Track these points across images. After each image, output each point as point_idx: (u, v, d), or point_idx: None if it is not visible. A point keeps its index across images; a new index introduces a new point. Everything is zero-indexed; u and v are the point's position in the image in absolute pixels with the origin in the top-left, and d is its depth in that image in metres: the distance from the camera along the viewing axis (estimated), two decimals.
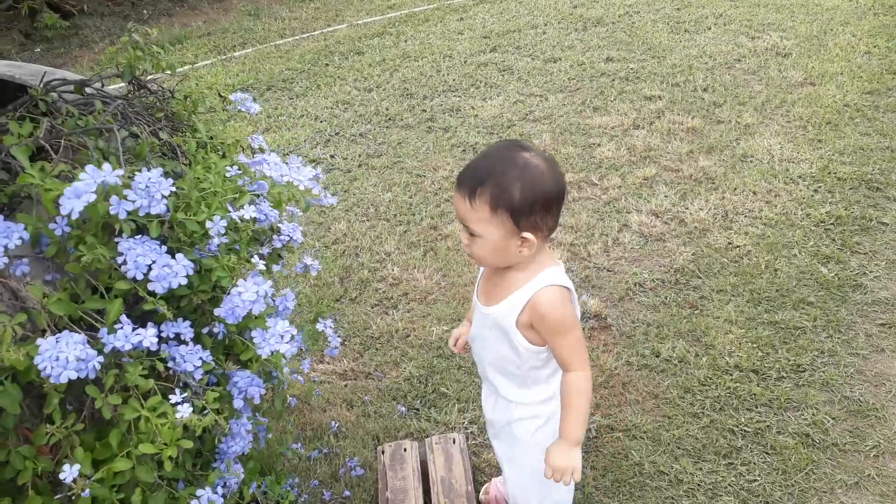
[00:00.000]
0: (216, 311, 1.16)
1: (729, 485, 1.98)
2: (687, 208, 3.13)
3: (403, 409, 2.26)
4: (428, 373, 2.40)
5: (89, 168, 1.01)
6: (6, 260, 1.07)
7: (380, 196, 3.39)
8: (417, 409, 2.28)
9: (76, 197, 0.99)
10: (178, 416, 1.03)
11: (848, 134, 3.59)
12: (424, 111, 4.17)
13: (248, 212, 1.22)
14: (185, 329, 1.18)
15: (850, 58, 4.35)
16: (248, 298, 1.15)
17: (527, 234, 1.30)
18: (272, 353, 1.18)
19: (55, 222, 1.13)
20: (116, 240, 1.12)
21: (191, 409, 1.05)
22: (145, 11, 5.91)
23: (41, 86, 1.40)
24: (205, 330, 1.24)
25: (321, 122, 4.16)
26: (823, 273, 2.71)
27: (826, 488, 1.96)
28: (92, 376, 0.98)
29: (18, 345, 0.95)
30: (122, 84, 1.61)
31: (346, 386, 2.38)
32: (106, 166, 1.03)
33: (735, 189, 3.24)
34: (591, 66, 4.53)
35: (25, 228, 1.10)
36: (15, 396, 0.96)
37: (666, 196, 3.22)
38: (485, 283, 1.50)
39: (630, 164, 3.49)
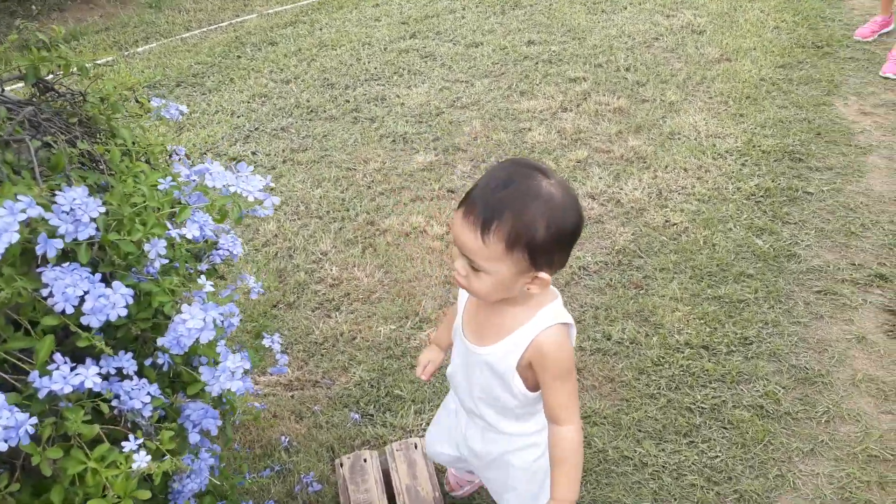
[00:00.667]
0: (160, 341, 1.03)
1: (693, 463, 1.99)
2: (622, 189, 3.14)
3: (357, 416, 2.16)
4: (379, 375, 2.31)
5: (7, 203, 0.87)
6: None
7: (309, 192, 3.24)
8: (372, 416, 2.18)
9: None
10: (134, 465, 0.90)
11: (767, 107, 3.69)
12: (348, 101, 4.03)
13: (191, 229, 1.08)
14: (127, 363, 1.05)
15: (761, 33, 4.48)
16: (193, 326, 1.02)
17: (543, 274, 1.16)
18: (222, 391, 1.06)
19: None
20: (39, 269, 0.98)
21: (147, 456, 0.92)
22: (34, 7, 5.48)
23: None
24: (147, 362, 1.11)
25: (238, 117, 3.95)
26: (759, 245, 2.76)
27: (784, 458, 1.99)
28: (25, 442, 0.84)
29: None
30: (22, 87, 1.43)
31: (292, 397, 2.26)
32: (23, 198, 0.88)
33: (666, 167, 3.27)
34: (514, 49, 4.49)
35: None
36: None
37: (600, 178, 3.22)
38: (473, 315, 1.36)
39: (562, 147, 3.47)
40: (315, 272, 2.77)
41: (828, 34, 4.42)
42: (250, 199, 1.14)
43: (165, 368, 1.10)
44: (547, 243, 1.13)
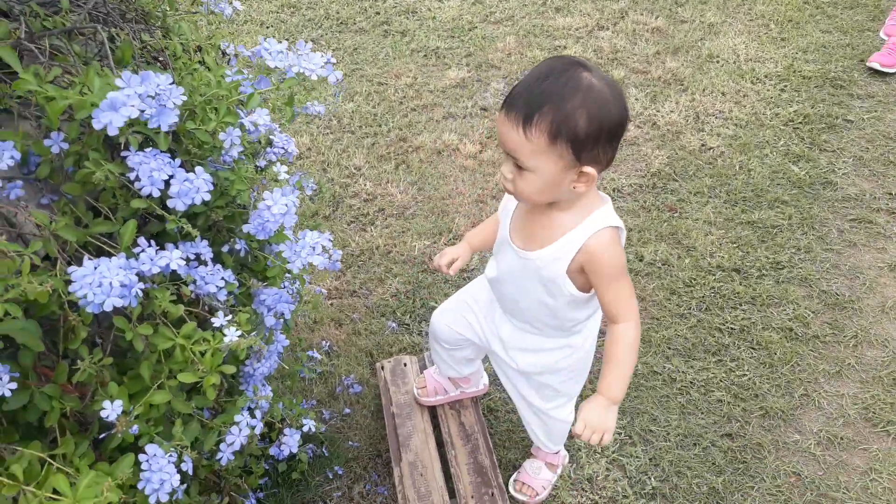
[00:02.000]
0: (245, 228, 1.06)
1: (720, 381, 2.04)
2: (658, 111, 3.10)
3: (394, 324, 2.22)
4: (414, 287, 2.36)
5: (126, 75, 0.88)
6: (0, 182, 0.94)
7: (341, 107, 3.22)
8: (408, 325, 2.24)
9: (113, 110, 0.86)
10: (225, 339, 0.95)
11: (809, 32, 3.58)
12: (378, 14, 3.94)
13: (261, 116, 1.10)
14: (204, 249, 1.08)
15: None
16: (278, 211, 1.05)
17: (588, 169, 1.15)
18: (304, 266, 1.10)
19: (49, 138, 0.99)
20: (123, 154, 1.00)
21: (238, 331, 0.96)
22: None
23: None
24: (224, 248, 1.14)
25: (267, 27, 3.88)
26: (795, 171, 2.75)
27: (810, 378, 2.04)
28: (134, 304, 0.88)
29: (34, 275, 0.84)
30: None
31: (332, 305, 2.31)
32: (146, 74, 0.90)
33: (704, 90, 3.21)
34: None
35: (14, 146, 0.96)
36: (35, 332, 0.86)
37: (637, 99, 3.17)
38: (521, 222, 1.35)
39: (598, 67, 3.40)
40: (349, 186, 2.78)
41: None
42: (313, 77, 1.14)
43: (243, 255, 1.13)
44: (590, 135, 1.12)
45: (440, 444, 1.80)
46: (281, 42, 1.20)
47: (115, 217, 1.04)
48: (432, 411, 1.87)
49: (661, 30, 3.66)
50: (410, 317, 2.26)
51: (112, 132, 0.88)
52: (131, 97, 0.87)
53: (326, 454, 1.83)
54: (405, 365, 1.97)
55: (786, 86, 3.22)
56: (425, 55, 3.57)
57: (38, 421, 0.93)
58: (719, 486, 1.79)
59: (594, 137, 1.13)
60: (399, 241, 2.53)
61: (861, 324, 2.18)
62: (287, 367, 1.38)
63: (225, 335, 0.96)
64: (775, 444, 1.89)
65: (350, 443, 1.89)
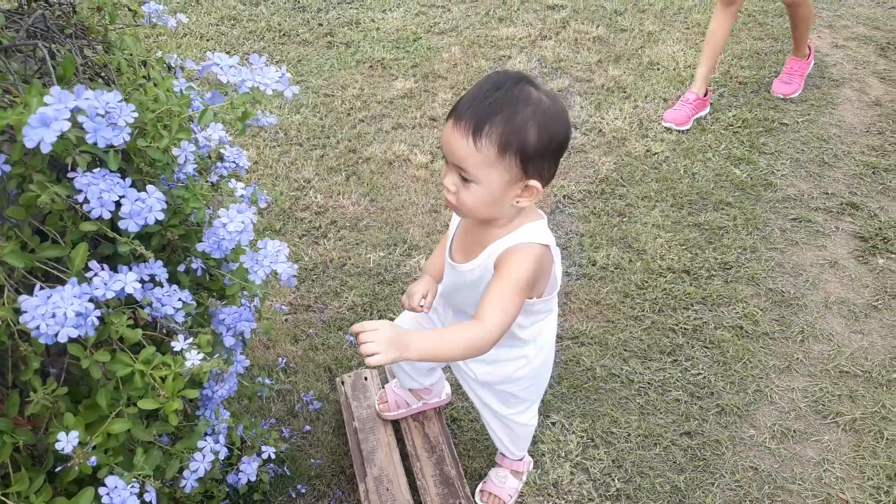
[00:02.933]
0: (200, 247, 1.03)
1: (677, 380, 2.08)
2: (603, 118, 3.16)
3: (352, 338, 2.19)
4: (371, 300, 2.33)
5: (55, 90, 0.84)
6: None
7: (288, 119, 3.18)
8: None
9: (44, 126, 0.82)
10: (187, 363, 0.91)
11: (743, 39, 3.71)
12: (321, 25, 3.91)
13: (216, 130, 1.07)
14: (158, 270, 1.04)
15: None
16: (234, 229, 1.02)
17: (533, 182, 1.15)
18: (266, 275, 1.07)
19: None
20: (71, 175, 0.96)
21: (199, 354, 0.93)
22: None
23: None
24: (180, 268, 1.11)
25: (208, 40, 3.81)
26: (737, 174, 2.83)
27: (762, 374, 2.10)
28: (91, 333, 0.84)
29: None
30: None
31: (286, 320, 2.27)
32: (80, 88, 0.86)
33: (646, 97, 3.29)
34: None
35: None
36: None
37: (582, 107, 3.23)
38: (461, 237, 1.37)
39: (543, 75, 3.45)
40: (300, 199, 2.74)
41: None
42: (268, 91, 1.12)
43: (199, 273, 1.10)
44: (538, 148, 1.13)
45: (405, 457, 1.78)
46: (232, 56, 1.17)
47: (64, 241, 1.00)
48: (395, 424, 1.85)
49: (603, 39, 3.74)
50: None
51: (45, 149, 0.84)
52: (62, 112, 0.83)
53: (288, 473, 1.79)
54: (366, 379, 1.94)
55: (724, 91, 3.32)
56: (371, 66, 3.55)
57: None
58: (681, 485, 1.82)
59: (542, 151, 1.14)
60: (353, 254, 2.51)
61: (807, 319, 2.26)
62: (247, 386, 1.34)
63: (186, 359, 0.92)
64: (732, 439, 1.93)
65: (312, 460, 1.85)
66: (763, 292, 2.35)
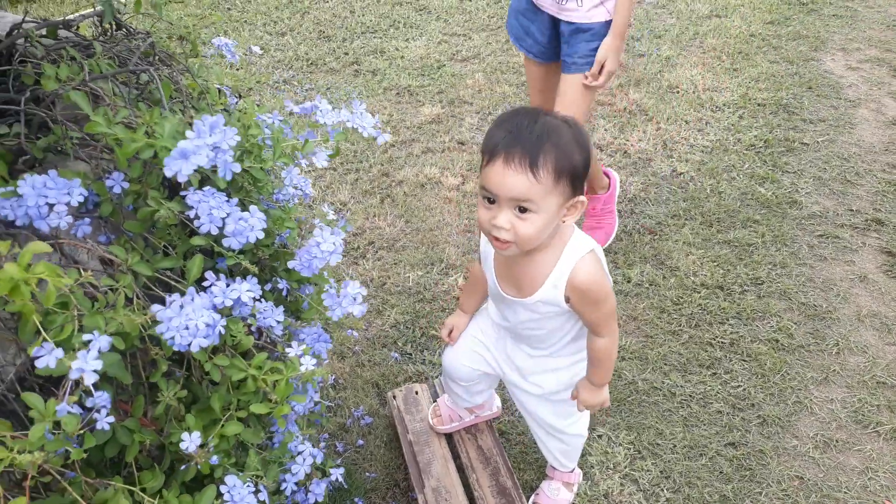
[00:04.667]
0: (290, 264, 1.09)
1: (717, 392, 2.13)
2: (627, 140, 3.24)
3: (397, 355, 2.24)
4: (413, 318, 2.39)
5: (198, 124, 0.91)
6: (70, 219, 0.95)
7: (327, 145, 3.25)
8: (411, 354, 2.27)
9: (183, 158, 0.89)
10: (301, 368, 0.97)
11: (759, 62, 3.81)
12: (347, 54, 4.01)
13: (320, 159, 1.14)
14: (254, 285, 1.10)
15: None
16: (327, 249, 1.08)
17: (582, 198, 1.22)
18: (343, 315, 1.13)
19: (111, 178, 1.01)
20: (182, 193, 1.02)
21: (313, 360, 0.99)
22: None
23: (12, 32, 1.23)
24: (267, 286, 1.17)
25: (238, 69, 3.91)
26: (762, 192, 2.90)
27: (800, 386, 2.15)
28: (217, 342, 0.90)
29: (128, 309, 0.85)
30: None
31: (332, 337, 2.32)
32: (216, 121, 0.92)
33: (668, 119, 3.37)
34: (508, 3, 4.50)
35: (80, 185, 0.98)
36: (121, 366, 0.87)
37: (606, 129, 3.31)
38: (504, 271, 1.41)
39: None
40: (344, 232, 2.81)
41: None
42: (364, 134, 1.19)
43: (285, 294, 1.16)
44: (581, 166, 1.21)
45: (460, 469, 1.82)
46: (331, 103, 1.26)
47: (175, 252, 1.06)
48: (449, 437, 1.90)
49: (622, 63, 3.83)
50: (412, 346, 2.29)
51: (182, 179, 0.90)
52: (201, 147, 0.90)
53: (346, 486, 1.83)
54: (416, 393, 1.99)
55: (743, 113, 3.41)
56: (398, 93, 3.64)
57: (111, 457, 0.93)
58: (729, 494, 1.86)
59: (584, 168, 1.22)
60: (392, 273, 2.57)
61: (840, 332, 2.31)
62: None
63: (301, 364, 0.98)
64: (776, 450, 1.97)
65: (367, 474, 1.90)
66: (796, 306, 2.40)
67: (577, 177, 1.20)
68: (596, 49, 2.06)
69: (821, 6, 4.40)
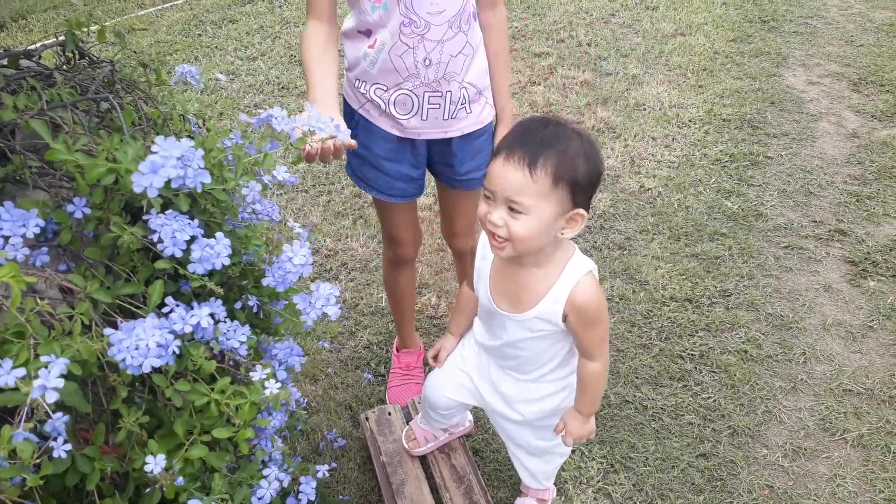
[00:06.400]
0: (265, 281, 1.10)
1: (688, 404, 2.15)
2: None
3: (370, 376, 2.24)
4: (386, 339, 2.39)
5: (160, 140, 0.91)
6: (26, 251, 0.95)
7: (293, 167, 3.26)
8: (383, 375, 2.27)
9: (153, 172, 0.89)
10: (266, 391, 0.97)
11: (723, 79, 3.89)
12: None
13: (281, 173, 1.15)
14: (218, 308, 1.10)
15: (711, 9, 4.70)
16: (299, 262, 1.09)
17: (581, 211, 1.22)
18: (318, 317, 1.13)
19: (73, 204, 1.02)
20: (145, 217, 1.03)
21: (277, 383, 0.99)
22: None
23: None
24: (237, 305, 1.17)
25: (208, 94, 3.92)
26: (728, 206, 2.96)
27: (769, 395, 2.18)
28: (171, 363, 0.90)
29: (86, 336, 0.85)
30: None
31: (304, 360, 2.31)
32: (185, 140, 0.93)
33: (636, 136, 3.43)
34: None
35: (38, 215, 0.98)
36: (80, 394, 0.86)
37: None
38: (500, 285, 1.40)
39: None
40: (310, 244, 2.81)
41: (772, 9, 4.67)
42: (322, 135, 1.21)
43: (256, 310, 1.16)
44: (585, 179, 1.20)
45: (434, 490, 1.82)
46: (282, 109, 1.27)
47: (136, 279, 1.06)
48: (422, 457, 1.90)
49: (589, 83, 3.90)
50: (385, 367, 2.29)
51: (152, 194, 0.91)
52: (168, 159, 0.91)
53: None
54: (389, 414, 1.99)
55: (709, 128, 3.48)
56: None
57: (73, 485, 0.92)
58: None
59: (589, 182, 1.21)
60: (365, 294, 2.57)
61: (807, 341, 2.35)
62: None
63: (266, 387, 0.98)
64: (746, 459, 1.99)
65: (341, 496, 1.89)
66: (763, 317, 2.44)
67: (577, 187, 1.20)
68: (488, 152, 1.77)
69: (781, 23, 4.52)
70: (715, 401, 2.16)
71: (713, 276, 2.61)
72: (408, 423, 1.97)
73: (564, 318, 1.34)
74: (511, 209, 1.21)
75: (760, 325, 2.42)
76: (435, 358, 1.70)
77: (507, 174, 1.19)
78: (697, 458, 2.00)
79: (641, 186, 3.10)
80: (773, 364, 2.28)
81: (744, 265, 2.66)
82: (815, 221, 2.87)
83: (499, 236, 1.24)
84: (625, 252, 2.75)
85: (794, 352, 2.31)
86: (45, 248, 0.99)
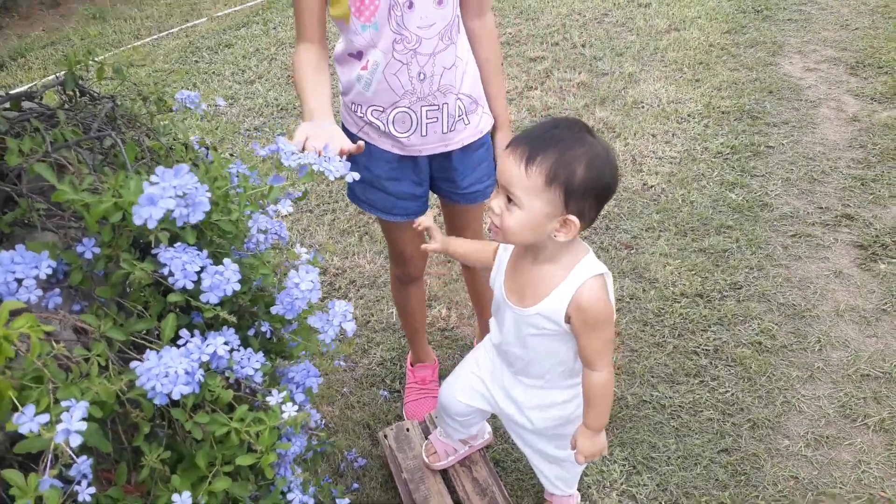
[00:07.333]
0: (273, 309, 1.11)
1: (706, 400, 2.14)
2: None
3: (386, 393, 2.25)
4: (399, 354, 2.39)
5: (159, 171, 0.93)
6: (40, 292, 0.96)
7: (296, 187, 3.28)
8: (399, 391, 2.27)
9: (151, 204, 0.90)
10: (284, 415, 0.98)
11: (719, 71, 3.89)
12: None
13: (285, 206, 1.16)
14: (231, 336, 1.11)
15: (703, 2, 4.70)
16: (306, 288, 1.10)
17: (572, 217, 1.22)
18: (336, 334, 1.14)
19: (82, 244, 1.03)
20: (154, 252, 1.04)
21: (294, 406, 1.00)
22: None
23: None
24: (250, 332, 1.18)
25: (208, 120, 3.95)
26: (733, 198, 2.95)
27: (787, 386, 2.17)
28: (197, 391, 0.91)
29: (103, 377, 0.86)
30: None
31: (320, 382, 2.32)
32: (179, 167, 0.94)
33: (635, 134, 3.43)
34: None
35: (49, 256, 0.99)
36: (101, 435, 0.87)
37: None
38: (512, 278, 1.42)
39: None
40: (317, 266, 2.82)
41: None
42: (331, 177, 1.22)
43: (269, 336, 1.17)
44: (582, 187, 1.20)
45: (456, 503, 1.82)
46: (287, 143, 1.28)
47: (149, 314, 1.07)
48: (444, 472, 1.89)
49: (586, 84, 3.91)
50: (400, 383, 2.29)
51: (152, 225, 0.92)
52: (167, 189, 0.92)
53: None
54: (408, 430, 1.99)
55: (708, 122, 3.48)
56: None
57: None
58: (727, 500, 1.86)
59: (586, 190, 1.21)
60: (376, 310, 2.58)
61: (821, 329, 2.34)
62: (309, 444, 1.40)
63: (283, 412, 0.99)
64: (769, 451, 1.98)
65: None
66: (775, 307, 2.44)
67: (571, 192, 1.20)
68: (492, 162, 1.78)
69: (775, 12, 4.52)
70: (733, 395, 2.15)
71: (722, 270, 2.60)
72: (427, 437, 1.97)
73: (568, 320, 1.34)
74: (509, 200, 1.25)
75: (773, 316, 2.41)
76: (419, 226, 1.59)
77: (507, 165, 1.23)
78: (719, 453, 1.99)
79: (644, 184, 3.10)
80: (789, 354, 2.27)
81: (752, 256, 2.65)
82: (821, 208, 2.86)
83: (494, 223, 1.29)
84: (632, 251, 2.74)
85: (808, 340, 2.30)
86: (57, 290, 1.00)
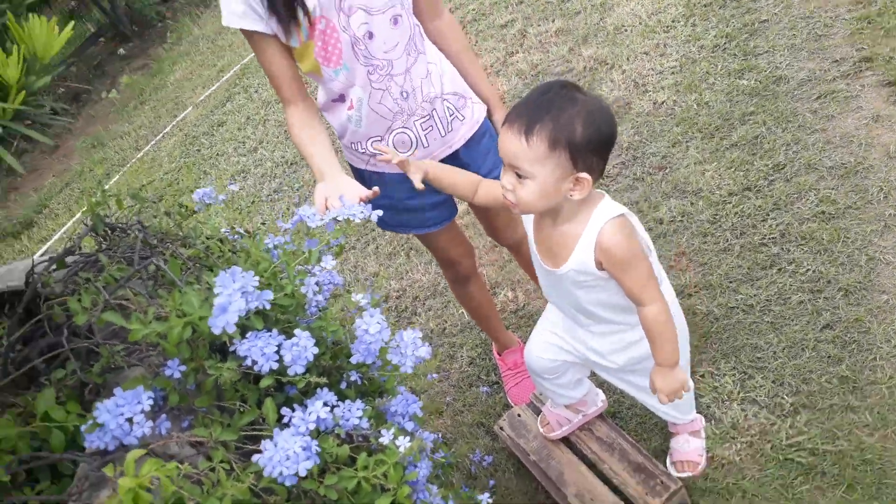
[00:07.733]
0: (353, 359, 1.16)
1: (790, 286, 2.12)
2: (601, 94, 3.27)
3: (486, 388, 2.29)
4: (485, 348, 2.44)
5: (219, 279, 0.99)
6: (150, 424, 1.03)
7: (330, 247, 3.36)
8: (498, 382, 2.31)
9: (224, 313, 0.97)
10: (401, 448, 1.03)
11: None
12: None
13: (328, 262, 1.21)
14: (327, 396, 1.17)
15: None
16: (375, 331, 1.15)
17: (583, 175, 1.25)
18: (415, 363, 1.19)
19: (168, 367, 1.10)
20: (231, 349, 1.10)
21: (407, 438, 1.05)
22: None
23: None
24: (342, 385, 1.24)
25: (230, 201, 4.05)
26: (745, 84, 2.90)
27: (865, 244, 2.13)
28: (318, 461, 0.97)
29: (232, 478, 0.93)
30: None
31: (421, 405, 2.38)
32: (233, 270, 1.01)
33: (628, 59, 3.40)
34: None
35: (144, 389, 1.06)
36: None
37: None
38: (539, 239, 1.46)
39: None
40: (376, 291, 2.89)
41: None
42: (356, 220, 1.27)
43: (360, 382, 1.23)
44: (585, 143, 1.23)
45: (591, 466, 1.85)
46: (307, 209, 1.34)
47: (248, 405, 1.14)
48: (566, 442, 1.93)
49: (563, 29, 3.88)
50: (495, 374, 2.34)
51: (231, 329, 0.98)
52: (233, 294, 0.98)
53: None
54: (519, 415, 2.03)
55: (695, 20, 3.41)
56: None
57: None
58: (847, 373, 1.85)
59: (589, 145, 1.24)
60: (447, 315, 2.63)
61: (879, 177, 2.29)
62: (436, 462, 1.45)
63: (398, 446, 1.04)
64: (870, 312, 1.96)
65: None
66: (826, 173, 2.39)
67: (576, 151, 1.23)
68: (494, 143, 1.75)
69: None
70: (815, 271, 2.13)
71: (760, 157, 2.56)
72: (538, 414, 2.01)
73: (600, 266, 1.36)
74: (518, 175, 1.29)
75: (827, 182, 2.36)
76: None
77: (506, 142, 1.26)
78: (822, 330, 1.98)
79: (655, 102, 3.07)
80: (856, 212, 2.23)
81: (785, 133, 2.60)
82: (837, 61, 2.78)
83: (508, 199, 1.33)
84: (667, 171, 2.72)
85: (870, 192, 2.26)
86: (163, 415, 1.07)
